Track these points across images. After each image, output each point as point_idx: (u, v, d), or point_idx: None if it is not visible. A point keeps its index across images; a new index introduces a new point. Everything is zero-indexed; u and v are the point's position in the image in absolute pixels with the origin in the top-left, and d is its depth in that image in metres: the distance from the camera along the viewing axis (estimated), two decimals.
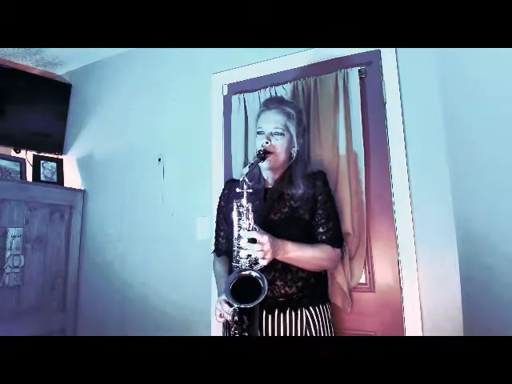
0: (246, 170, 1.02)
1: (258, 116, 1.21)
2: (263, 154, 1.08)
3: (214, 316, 1.03)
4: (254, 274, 0.93)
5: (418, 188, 1.36)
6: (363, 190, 1.40)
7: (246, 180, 1.01)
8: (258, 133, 1.17)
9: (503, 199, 0.88)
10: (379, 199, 1.42)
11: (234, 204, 1.01)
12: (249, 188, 1.01)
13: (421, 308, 1.29)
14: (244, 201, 1.00)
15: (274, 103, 1.19)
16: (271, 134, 1.14)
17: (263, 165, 1.13)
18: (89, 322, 1.99)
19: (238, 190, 1.01)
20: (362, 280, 1.40)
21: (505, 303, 0.90)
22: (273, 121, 1.15)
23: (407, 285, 1.32)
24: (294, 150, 1.18)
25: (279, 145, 1.13)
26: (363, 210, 1.39)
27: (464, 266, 1.22)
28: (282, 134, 1.14)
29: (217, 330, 1.57)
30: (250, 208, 0.99)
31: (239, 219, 1.00)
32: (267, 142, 1.11)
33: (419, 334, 1.28)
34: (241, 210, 1.00)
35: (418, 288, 1.31)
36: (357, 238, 1.37)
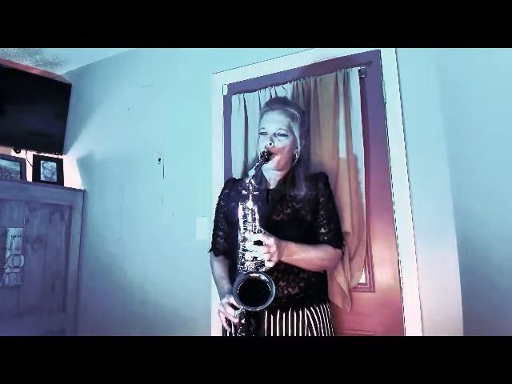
0: (253, 172, 1.01)
1: (261, 116, 1.20)
2: (267, 155, 1.08)
3: (220, 320, 1.02)
4: (263, 277, 0.92)
5: (418, 188, 1.36)
6: (363, 189, 1.40)
7: (253, 182, 1.00)
8: (261, 133, 1.16)
9: (503, 199, 0.88)
10: (379, 199, 1.42)
11: (240, 206, 1.00)
12: (255, 190, 1.00)
13: (421, 308, 1.29)
14: (250, 203, 0.99)
15: (277, 104, 1.18)
16: (275, 134, 1.13)
17: (266, 166, 1.12)
18: (89, 322, 1.99)
19: (243, 192, 1.00)
20: (362, 280, 1.40)
21: (505, 303, 0.90)
22: (276, 121, 1.14)
23: (407, 285, 1.32)
24: (297, 152, 1.18)
25: (282, 146, 1.13)
26: (363, 209, 1.39)
27: (464, 266, 1.22)
28: (285, 135, 1.13)
29: (217, 330, 1.57)
30: (255, 210, 0.98)
31: (244, 221, 0.99)
32: (271, 143, 1.11)
33: (419, 334, 1.28)
34: (246, 212, 0.99)
35: (417, 288, 1.31)
36: (357, 237, 1.37)
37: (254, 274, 0.93)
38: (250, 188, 0.99)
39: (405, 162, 1.39)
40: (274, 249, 0.93)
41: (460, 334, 1.21)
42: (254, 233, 0.97)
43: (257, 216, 0.98)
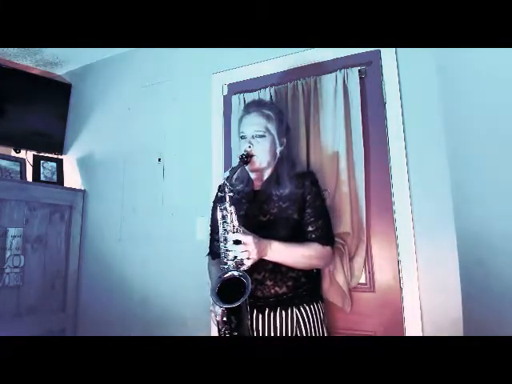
0: (227, 173, 1.04)
1: (240, 121, 1.23)
2: (246, 158, 1.11)
3: (212, 320, 1.06)
4: (236, 273, 0.95)
5: (418, 188, 1.36)
6: (363, 189, 1.40)
7: (227, 184, 1.03)
8: (241, 137, 1.19)
9: (503, 199, 0.88)
10: (379, 199, 1.42)
11: (218, 208, 1.04)
12: (230, 191, 1.03)
13: (421, 308, 1.29)
14: (227, 204, 1.02)
15: (253, 107, 1.21)
16: (253, 137, 1.16)
17: (248, 168, 1.16)
18: (89, 322, 1.99)
19: (219, 194, 1.04)
20: (362, 280, 1.40)
21: (505, 303, 0.90)
22: (253, 124, 1.17)
23: (407, 285, 1.32)
24: (278, 151, 1.20)
25: (261, 147, 1.15)
26: (363, 209, 1.39)
27: (464, 266, 1.22)
28: (263, 136, 1.16)
29: (217, 330, 1.57)
30: (233, 211, 1.01)
31: (223, 222, 1.02)
32: (250, 146, 1.14)
33: (419, 334, 1.28)
34: (224, 214, 1.02)
35: (418, 288, 1.31)
36: (357, 237, 1.37)
37: (227, 274, 0.96)
38: (226, 190, 1.03)
39: (405, 162, 1.39)
40: (251, 247, 0.95)
41: (460, 334, 1.21)
42: (233, 233, 0.99)
43: (234, 216, 1.01)
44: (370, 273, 1.40)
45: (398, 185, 1.39)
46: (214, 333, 1.59)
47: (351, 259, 1.37)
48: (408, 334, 1.29)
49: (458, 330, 1.21)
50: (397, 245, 1.37)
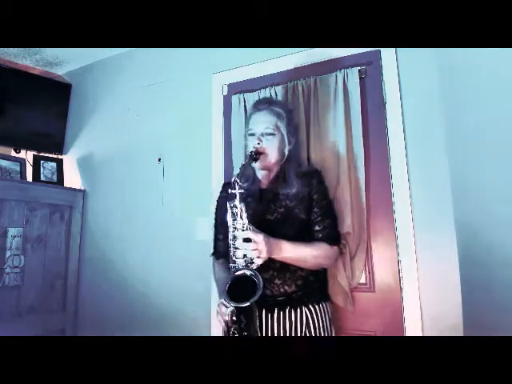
0: (237, 170, 1.03)
1: (249, 118, 1.22)
2: (255, 155, 1.10)
3: (217, 319, 1.03)
4: (248, 272, 0.94)
5: (418, 188, 1.36)
6: (363, 189, 1.40)
7: (238, 181, 1.02)
8: (250, 135, 1.18)
9: (503, 199, 0.88)
10: (379, 199, 1.42)
11: (228, 205, 1.02)
12: (241, 188, 1.02)
13: (421, 308, 1.29)
14: (237, 201, 1.01)
15: (263, 104, 1.20)
16: (262, 134, 1.15)
17: (257, 165, 1.14)
18: (89, 321, 1.99)
19: (230, 190, 1.02)
20: (362, 280, 1.39)
21: (505, 303, 0.90)
22: (263, 121, 1.16)
23: (407, 285, 1.32)
24: (287, 150, 1.19)
25: (271, 145, 1.14)
26: (363, 209, 1.39)
27: (464, 266, 1.22)
28: (272, 134, 1.15)
29: (217, 330, 1.57)
30: (243, 208, 1.00)
31: (233, 220, 1.01)
32: (259, 143, 1.13)
33: (419, 334, 1.28)
34: (234, 211, 1.01)
35: (417, 288, 1.30)
36: (357, 237, 1.37)
37: (239, 272, 0.95)
38: (236, 187, 1.01)
39: (405, 162, 1.38)
40: (262, 245, 0.94)
41: (460, 334, 1.21)
42: (243, 231, 0.98)
43: (244, 214, 0.99)
44: (369, 273, 1.40)
45: (398, 185, 1.39)
46: (215, 333, 1.59)
47: (352, 258, 1.37)
48: (408, 334, 1.29)
49: (457, 330, 1.21)
50: (397, 245, 1.37)
